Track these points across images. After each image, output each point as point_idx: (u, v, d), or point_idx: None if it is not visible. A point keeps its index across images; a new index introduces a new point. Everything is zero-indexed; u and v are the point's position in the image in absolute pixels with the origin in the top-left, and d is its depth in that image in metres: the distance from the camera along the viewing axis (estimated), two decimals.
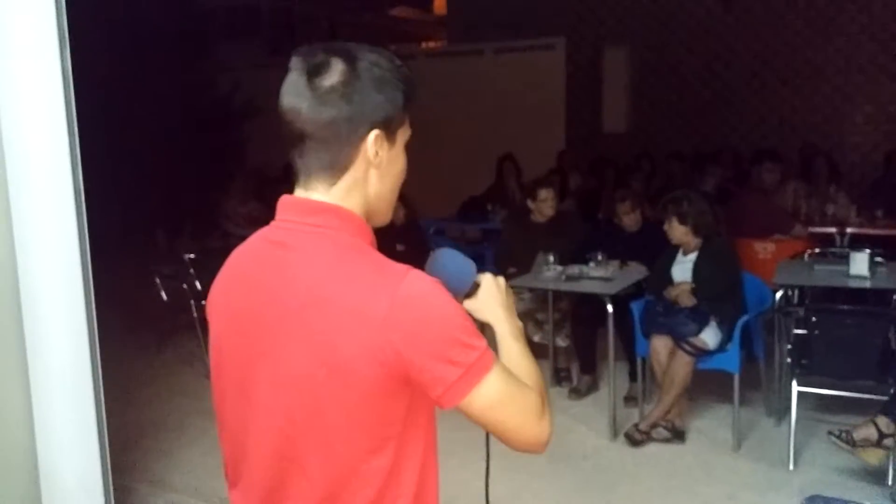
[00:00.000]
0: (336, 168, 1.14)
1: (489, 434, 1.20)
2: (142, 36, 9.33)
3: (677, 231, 4.16)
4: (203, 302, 4.97)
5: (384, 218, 1.24)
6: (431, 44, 16.60)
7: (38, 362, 2.95)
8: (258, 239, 1.21)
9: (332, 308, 1.07)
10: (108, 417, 3.13)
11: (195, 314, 5.46)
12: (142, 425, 4.42)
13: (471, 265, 1.31)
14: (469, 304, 1.29)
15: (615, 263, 4.51)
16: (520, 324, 1.30)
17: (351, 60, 1.11)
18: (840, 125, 8.66)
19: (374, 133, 1.13)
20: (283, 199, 1.19)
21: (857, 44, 8.42)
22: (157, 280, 5.71)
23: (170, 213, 7.88)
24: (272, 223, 1.19)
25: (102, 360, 3.08)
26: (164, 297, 5.71)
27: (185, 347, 5.73)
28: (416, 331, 1.05)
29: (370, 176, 1.16)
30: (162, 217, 7.64)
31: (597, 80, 9.69)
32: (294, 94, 1.12)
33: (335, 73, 1.11)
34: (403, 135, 1.20)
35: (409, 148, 1.23)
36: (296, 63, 1.13)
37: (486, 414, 1.10)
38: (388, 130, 1.15)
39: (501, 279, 1.32)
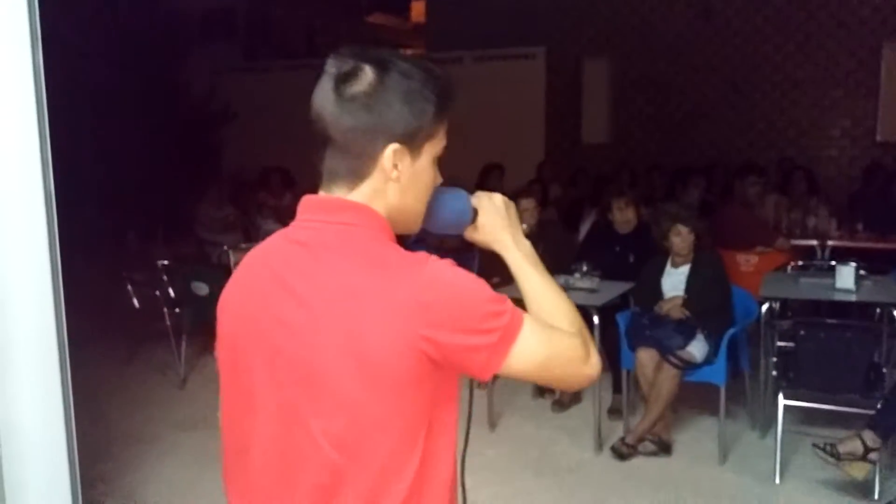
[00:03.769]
0: (355, 175, 1.13)
1: (471, 411, 1.26)
2: (116, 38, 9.15)
3: (687, 240, 4.13)
4: (176, 310, 4.83)
5: (411, 227, 1.20)
6: (409, 51, 16.58)
7: (4, 369, 2.82)
8: (279, 239, 1.18)
9: (359, 298, 1.04)
10: (76, 428, 3.00)
11: (168, 322, 5.33)
12: (112, 437, 4.26)
13: (462, 193, 1.25)
14: (471, 234, 1.26)
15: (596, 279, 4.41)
16: (528, 243, 1.26)
17: (382, 69, 1.09)
18: (817, 139, 8.75)
19: (393, 147, 1.10)
20: (306, 199, 1.17)
21: (835, 59, 8.52)
22: (129, 287, 5.55)
23: (142, 218, 7.72)
24: (293, 223, 1.16)
25: (71, 368, 2.95)
26: (136, 304, 5.55)
27: (158, 356, 5.57)
28: (446, 311, 1.04)
29: (388, 188, 1.13)
30: (134, 222, 7.48)
31: (577, 90, 9.68)
32: (321, 97, 1.11)
33: (363, 81, 1.09)
34: (433, 148, 1.16)
35: None
36: (329, 66, 1.11)
37: (528, 373, 1.11)
38: (411, 144, 1.12)
39: (498, 196, 1.28)
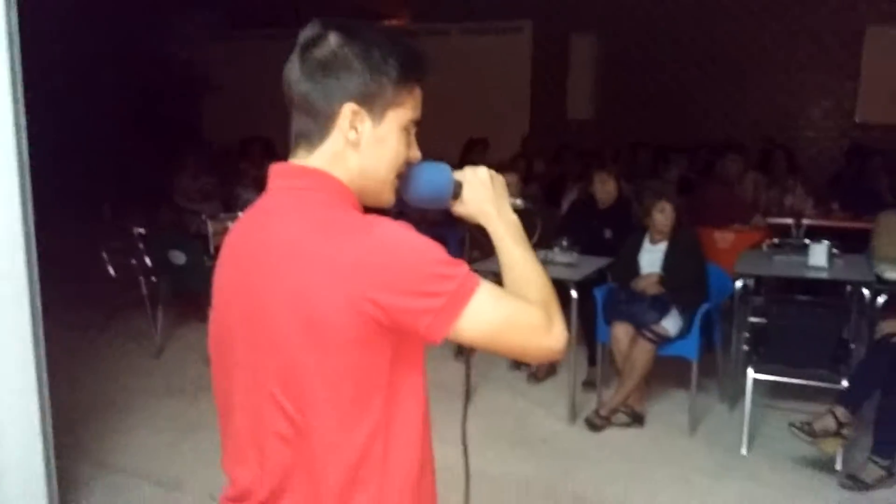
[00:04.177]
0: (315, 137, 1.15)
1: (469, 372, 1.27)
2: (95, 4, 8.98)
3: (669, 217, 4.16)
4: (153, 278, 4.79)
5: (379, 199, 1.20)
6: (394, 22, 16.34)
7: None
8: (251, 210, 1.21)
9: (307, 261, 1.06)
10: (51, 397, 3.00)
11: (144, 290, 5.31)
12: (87, 405, 4.25)
13: (445, 167, 1.26)
14: (457, 207, 1.27)
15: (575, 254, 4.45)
16: (513, 217, 1.26)
17: (346, 35, 1.12)
18: (799, 119, 8.78)
19: (350, 106, 1.12)
20: (272, 168, 1.19)
21: (819, 40, 8.53)
22: (105, 255, 5.50)
23: (118, 187, 7.64)
24: (264, 192, 1.20)
25: (46, 336, 2.94)
26: (112, 272, 5.52)
27: (133, 325, 5.55)
28: (389, 273, 1.04)
29: (348, 152, 1.15)
30: (109, 190, 7.40)
31: (563, 65, 9.64)
32: (288, 65, 1.15)
33: (326, 46, 1.12)
34: (398, 116, 1.16)
35: None
36: (301, 36, 1.15)
37: (482, 339, 1.09)
38: (371, 108, 1.13)
39: (483, 169, 1.28)
